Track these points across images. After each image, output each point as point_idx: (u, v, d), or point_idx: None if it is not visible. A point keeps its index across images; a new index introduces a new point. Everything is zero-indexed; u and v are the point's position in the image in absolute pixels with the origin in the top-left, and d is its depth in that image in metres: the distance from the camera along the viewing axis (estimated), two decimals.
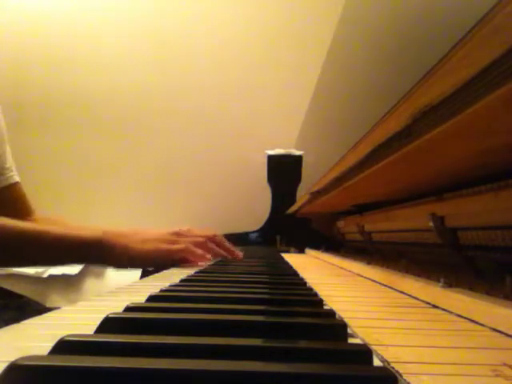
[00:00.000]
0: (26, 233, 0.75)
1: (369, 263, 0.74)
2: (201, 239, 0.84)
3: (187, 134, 1.97)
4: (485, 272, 0.51)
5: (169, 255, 0.79)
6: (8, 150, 0.98)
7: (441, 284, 0.44)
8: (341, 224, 1.31)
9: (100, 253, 0.76)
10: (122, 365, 0.18)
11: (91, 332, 0.25)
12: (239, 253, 0.92)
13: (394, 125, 0.44)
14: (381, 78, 0.54)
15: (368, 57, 0.64)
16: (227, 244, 0.91)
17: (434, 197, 0.62)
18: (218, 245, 0.88)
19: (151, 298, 0.36)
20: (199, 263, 0.81)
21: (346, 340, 0.26)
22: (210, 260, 0.81)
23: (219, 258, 0.88)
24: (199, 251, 0.80)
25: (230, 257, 0.90)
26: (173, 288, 0.43)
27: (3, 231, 0.72)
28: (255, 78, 1.96)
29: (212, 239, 0.87)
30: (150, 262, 0.81)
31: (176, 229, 0.85)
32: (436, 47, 0.31)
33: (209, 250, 0.83)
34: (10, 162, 0.98)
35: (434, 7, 0.39)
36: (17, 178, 0.99)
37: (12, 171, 0.98)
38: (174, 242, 0.81)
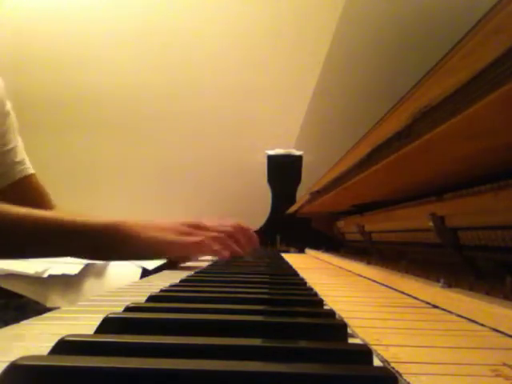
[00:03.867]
0: (37, 219, 0.72)
1: (369, 263, 0.74)
2: (220, 234, 0.80)
3: (187, 134, 1.97)
4: (485, 272, 0.51)
5: (184, 247, 0.76)
6: (20, 143, 0.99)
7: (441, 284, 0.44)
8: (341, 224, 1.31)
9: (115, 241, 0.73)
10: (122, 365, 0.18)
11: (91, 332, 0.25)
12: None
13: (394, 125, 0.44)
14: (381, 78, 0.54)
15: (368, 57, 0.64)
16: (253, 238, 0.88)
17: (433, 197, 0.62)
18: (238, 241, 0.84)
19: (151, 298, 0.36)
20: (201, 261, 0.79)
21: (346, 340, 0.26)
22: (226, 257, 0.78)
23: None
24: (216, 247, 0.77)
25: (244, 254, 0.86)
26: (173, 288, 0.43)
27: (5, 218, 0.70)
28: (255, 79, 1.96)
29: (232, 234, 0.82)
30: (165, 253, 0.78)
31: (196, 220, 0.81)
32: (436, 47, 0.31)
33: (227, 247, 0.79)
34: (21, 156, 0.98)
35: (434, 7, 0.39)
36: (30, 171, 0.99)
37: (24, 164, 0.98)
38: (191, 234, 0.77)
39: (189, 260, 0.89)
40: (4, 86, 0.98)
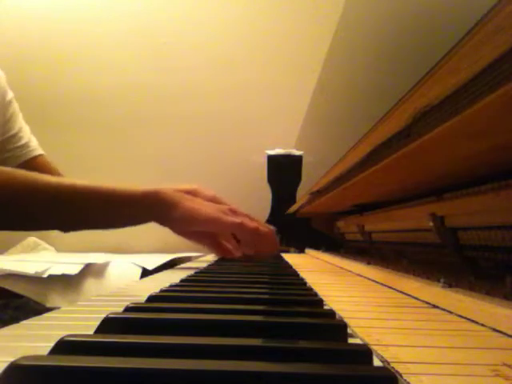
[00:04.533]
0: (75, 188, 0.71)
1: (369, 263, 0.74)
2: (253, 226, 0.79)
3: (187, 134, 1.97)
4: (485, 272, 0.51)
5: (225, 225, 0.76)
6: (24, 128, 1.00)
7: (441, 284, 0.44)
8: (341, 224, 1.31)
9: (153, 208, 0.73)
10: (122, 365, 0.18)
11: (91, 332, 0.25)
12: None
13: (394, 125, 0.44)
14: (381, 77, 0.54)
15: (368, 57, 0.64)
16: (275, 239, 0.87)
17: (434, 197, 0.62)
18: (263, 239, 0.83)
19: (151, 298, 0.36)
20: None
21: (346, 340, 0.26)
22: (251, 252, 0.78)
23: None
24: (250, 235, 0.77)
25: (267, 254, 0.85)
26: (173, 288, 0.43)
27: (45, 186, 0.69)
28: (255, 79, 1.96)
29: (268, 235, 0.82)
30: (201, 225, 0.76)
31: (233, 206, 0.82)
32: (436, 47, 0.31)
33: (256, 239, 0.79)
34: (26, 139, 1.00)
35: (434, 7, 0.39)
36: (36, 153, 1.00)
37: (28, 147, 1.00)
38: (231, 215, 0.77)
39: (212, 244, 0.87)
40: (5, 77, 0.99)
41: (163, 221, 0.76)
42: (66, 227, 0.80)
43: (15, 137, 0.99)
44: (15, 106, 1.01)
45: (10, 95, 1.00)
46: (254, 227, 0.79)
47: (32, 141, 1.03)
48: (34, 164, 0.99)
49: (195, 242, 0.86)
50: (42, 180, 0.71)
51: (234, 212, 0.79)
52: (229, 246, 0.80)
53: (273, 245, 0.86)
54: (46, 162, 1.03)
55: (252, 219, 0.82)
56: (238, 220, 0.77)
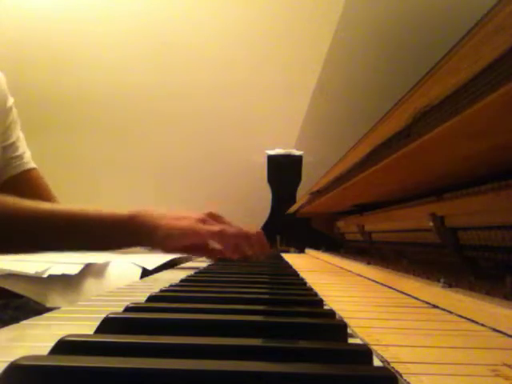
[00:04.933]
0: (54, 213, 0.72)
1: (369, 263, 0.74)
2: (234, 230, 0.79)
3: (187, 133, 1.97)
4: (485, 272, 0.51)
5: (203, 235, 0.75)
6: (21, 138, 0.99)
7: (441, 284, 0.44)
8: (341, 224, 1.31)
9: (134, 231, 0.73)
10: (122, 365, 0.18)
11: (91, 332, 0.25)
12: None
13: (394, 125, 0.44)
14: (381, 77, 0.54)
15: (368, 57, 0.64)
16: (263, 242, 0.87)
17: (434, 197, 0.62)
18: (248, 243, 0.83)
19: (151, 298, 0.36)
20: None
21: (346, 340, 0.26)
22: (237, 257, 0.77)
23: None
24: (233, 239, 0.76)
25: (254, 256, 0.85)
26: (173, 288, 0.43)
27: (21, 212, 0.69)
28: (255, 78, 1.96)
29: (248, 236, 0.82)
30: (184, 240, 0.77)
31: (212, 212, 0.81)
32: (436, 47, 0.31)
33: (238, 244, 0.79)
34: (22, 150, 0.98)
35: (434, 7, 0.39)
36: (29, 166, 0.99)
37: (23, 159, 0.98)
38: (209, 223, 0.77)
39: (199, 254, 0.88)
40: (6, 81, 0.98)
41: (148, 243, 0.77)
42: (37, 251, 0.81)
43: (12, 146, 0.97)
44: (15, 113, 0.99)
45: (11, 101, 0.99)
46: (234, 232, 0.79)
47: (27, 152, 1.00)
48: (28, 177, 0.98)
49: (187, 254, 0.86)
50: (21, 205, 0.72)
51: (213, 219, 0.79)
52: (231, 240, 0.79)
53: (262, 245, 0.87)
54: (39, 176, 1.01)
55: (233, 227, 0.81)
56: (216, 228, 0.76)
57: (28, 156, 1.00)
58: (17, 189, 0.94)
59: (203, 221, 0.77)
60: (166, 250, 0.79)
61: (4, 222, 0.70)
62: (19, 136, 0.99)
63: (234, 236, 0.78)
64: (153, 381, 0.18)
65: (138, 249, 0.80)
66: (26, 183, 0.97)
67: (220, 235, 0.76)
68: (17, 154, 0.97)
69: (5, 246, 0.76)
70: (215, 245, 0.84)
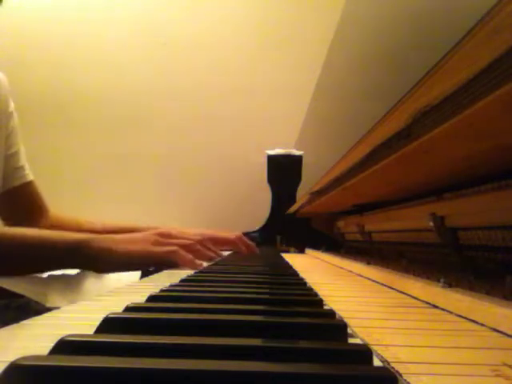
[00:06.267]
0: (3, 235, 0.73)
1: (369, 263, 0.74)
2: (190, 242, 0.81)
3: (187, 133, 1.97)
4: (485, 272, 0.51)
5: (156, 257, 0.76)
6: (22, 149, 0.99)
7: (441, 284, 0.44)
8: (341, 224, 1.31)
9: (83, 256, 0.74)
10: (122, 365, 0.18)
11: (91, 332, 0.25)
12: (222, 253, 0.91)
13: (394, 125, 0.45)
14: (381, 77, 0.54)
15: (368, 57, 0.64)
16: (214, 247, 0.89)
17: (434, 197, 0.62)
18: (207, 248, 0.86)
19: (151, 298, 0.36)
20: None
21: (346, 340, 0.26)
22: (200, 266, 0.77)
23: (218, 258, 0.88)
24: (189, 256, 0.76)
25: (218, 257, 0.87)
26: (173, 288, 0.43)
27: None
28: (255, 78, 1.96)
29: (202, 242, 0.84)
30: (136, 264, 0.78)
31: (165, 229, 0.82)
32: (436, 47, 0.31)
33: (199, 254, 0.80)
34: (22, 162, 0.99)
35: (434, 7, 0.39)
36: (29, 178, 1.00)
37: (24, 170, 0.99)
38: (162, 244, 0.77)
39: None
40: (8, 84, 0.98)
41: (101, 266, 0.77)
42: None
43: (15, 156, 0.97)
44: (16, 119, 0.98)
45: (12, 106, 0.99)
46: (189, 243, 0.80)
47: (27, 164, 1.01)
48: (28, 189, 1.00)
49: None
50: None
51: (170, 237, 0.80)
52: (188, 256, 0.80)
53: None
54: (37, 188, 1.03)
55: (189, 237, 0.83)
56: (170, 248, 0.76)
57: (28, 168, 1.01)
58: (16, 200, 0.95)
59: (158, 240, 0.78)
60: (117, 272, 0.79)
61: None
62: (21, 147, 0.99)
63: (189, 247, 0.79)
64: (153, 381, 0.18)
65: None
66: (26, 195, 0.99)
67: (173, 255, 0.76)
68: (19, 164, 0.98)
69: None
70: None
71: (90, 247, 0.74)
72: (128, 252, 0.75)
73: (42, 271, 0.84)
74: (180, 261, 0.75)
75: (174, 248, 0.76)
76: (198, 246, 0.82)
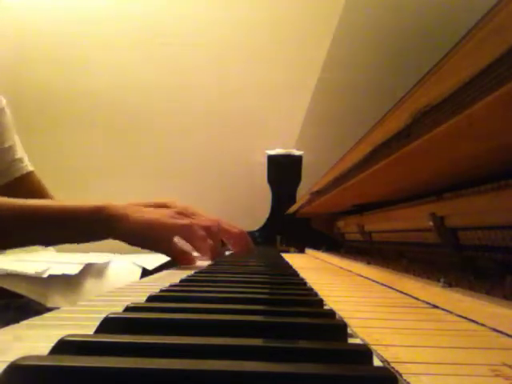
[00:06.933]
0: (21, 208, 0.73)
1: (369, 263, 0.74)
2: (207, 222, 0.79)
3: (187, 133, 1.98)
4: (485, 272, 0.51)
5: (171, 229, 0.75)
6: (17, 141, 1.00)
7: (441, 284, 0.44)
8: (341, 224, 1.31)
9: (102, 223, 0.74)
10: (122, 365, 0.18)
11: (91, 332, 0.25)
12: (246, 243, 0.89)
13: (394, 125, 0.44)
14: (381, 77, 0.54)
15: (368, 57, 0.64)
16: (233, 230, 0.88)
17: (434, 197, 0.62)
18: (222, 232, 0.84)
19: (151, 298, 0.36)
20: (198, 261, 0.79)
21: (346, 340, 0.26)
22: (210, 247, 0.77)
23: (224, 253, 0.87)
24: (202, 232, 0.76)
25: (233, 246, 0.86)
26: (173, 288, 0.43)
27: None
28: (255, 78, 1.96)
29: (216, 226, 0.82)
30: (151, 236, 0.76)
31: (182, 209, 0.81)
32: (436, 47, 0.31)
33: (212, 235, 0.79)
34: (20, 154, 1.01)
35: (434, 7, 0.39)
36: (29, 168, 1.01)
37: (23, 162, 1.00)
38: (178, 218, 0.77)
39: (186, 261, 0.88)
40: None
41: (114, 235, 0.77)
42: (15, 245, 0.83)
43: (11, 149, 0.99)
44: (8, 115, 0.99)
45: (3, 103, 0.99)
46: (204, 225, 0.78)
47: (25, 155, 1.03)
48: (29, 179, 1.01)
49: (151, 250, 0.85)
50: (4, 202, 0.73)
51: (184, 215, 0.79)
52: (201, 232, 0.78)
53: (245, 244, 0.88)
54: (38, 178, 1.04)
55: (208, 220, 0.82)
56: (184, 222, 0.76)
57: (27, 159, 1.02)
58: (19, 191, 0.95)
59: (175, 215, 0.77)
60: (130, 241, 0.78)
61: None
62: (16, 140, 1.00)
63: (202, 229, 0.77)
64: (153, 381, 0.18)
65: (137, 249, 0.80)
66: (28, 185, 0.99)
67: (187, 229, 0.75)
68: (17, 156, 0.99)
69: None
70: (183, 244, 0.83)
71: (107, 213, 0.74)
72: (144, 220, 0.75)
73: (65, 242, 0.83)
74: (193, 236, 0.75)
75: (188, 222, 0.76)
76: (214, 228, 0.81)
